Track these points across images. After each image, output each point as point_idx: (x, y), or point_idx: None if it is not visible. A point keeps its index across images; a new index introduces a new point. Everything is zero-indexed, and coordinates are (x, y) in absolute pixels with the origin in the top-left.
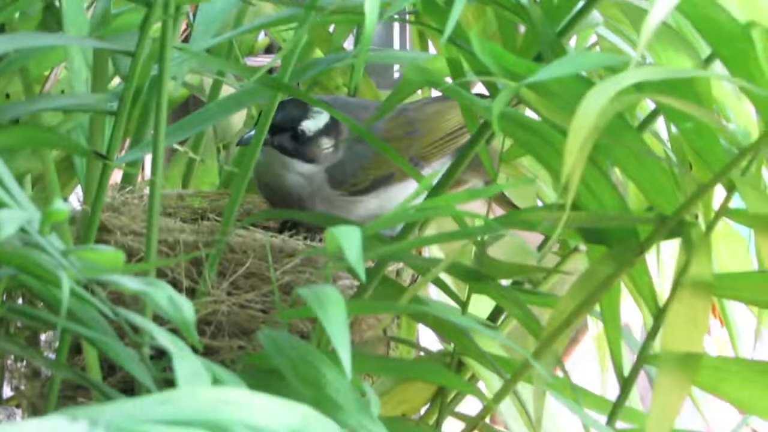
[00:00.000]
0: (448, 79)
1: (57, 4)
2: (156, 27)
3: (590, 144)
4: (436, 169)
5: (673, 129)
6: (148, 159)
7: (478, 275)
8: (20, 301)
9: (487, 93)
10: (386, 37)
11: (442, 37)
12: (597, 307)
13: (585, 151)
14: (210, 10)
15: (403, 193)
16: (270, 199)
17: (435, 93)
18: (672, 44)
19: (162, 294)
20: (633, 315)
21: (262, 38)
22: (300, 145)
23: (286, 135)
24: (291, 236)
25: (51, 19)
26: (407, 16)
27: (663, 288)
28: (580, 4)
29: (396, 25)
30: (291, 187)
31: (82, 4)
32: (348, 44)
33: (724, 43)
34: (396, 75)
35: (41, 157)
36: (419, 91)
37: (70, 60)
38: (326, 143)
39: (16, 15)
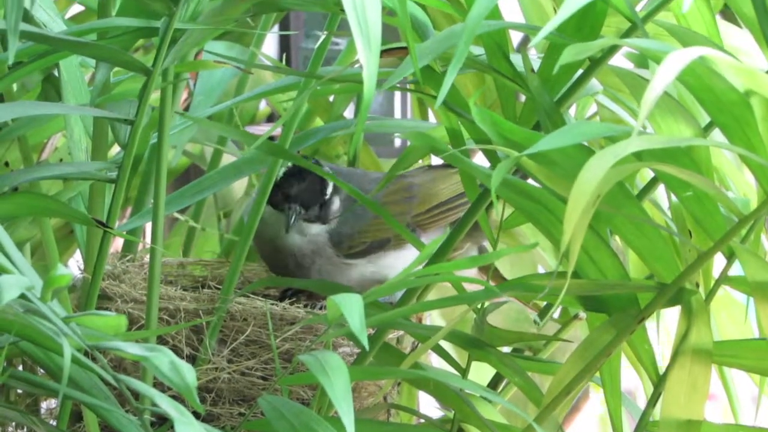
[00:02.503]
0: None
1: (56, 73)
2: (156, 95)
3: (591, 212)
4: (432, 238)
5: (673, 197)
6: (149, 227)
7: (478, 343)
8: (21, 368)
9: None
10: (387, 106)
11: (438, 103)
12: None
13: (585, 219)
14: (210, 79)
15: (399, 261)
16: (269, 256)
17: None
18: (671, 112)
19: (164, 359)
20: (638, 382)
21: (263, 107)
22: (322, 211)
23: (316, 207)
24: (291, 304)
25: (50, 89)
26: (408, 85)
27: (664, 354)
28: (578, 73)
29: (397, 94)
30: (296, 248)
31: (82, 73)
32: (348, 113)
33: (723, 111)
34: (397, 143)
35: (40, 224)
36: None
37: (69, 129)
38: (336, 203)
39: (14, 87)
